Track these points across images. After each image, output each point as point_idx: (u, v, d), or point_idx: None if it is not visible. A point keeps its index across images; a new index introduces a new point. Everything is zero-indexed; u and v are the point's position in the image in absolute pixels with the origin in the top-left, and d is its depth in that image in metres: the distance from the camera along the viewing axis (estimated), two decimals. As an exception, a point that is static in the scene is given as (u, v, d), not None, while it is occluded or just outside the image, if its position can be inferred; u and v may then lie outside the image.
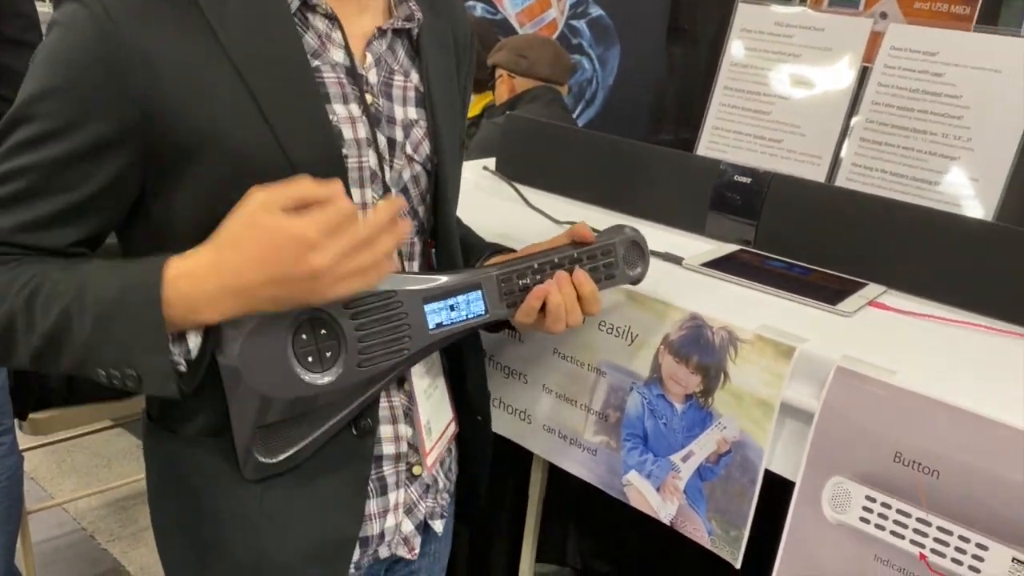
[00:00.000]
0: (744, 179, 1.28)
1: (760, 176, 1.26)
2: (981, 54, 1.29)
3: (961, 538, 0.84)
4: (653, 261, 1.17)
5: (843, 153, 1.40)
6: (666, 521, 1.07)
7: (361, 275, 0.75)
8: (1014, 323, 1.06)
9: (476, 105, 2.63)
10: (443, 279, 0.89)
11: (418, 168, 0.92)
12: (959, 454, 0.84)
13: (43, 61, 0.76)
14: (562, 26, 3.11)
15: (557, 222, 1.33)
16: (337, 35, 0.85)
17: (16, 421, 1.89)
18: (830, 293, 1.11)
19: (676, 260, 1.19)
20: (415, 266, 0.95)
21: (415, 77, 0.93)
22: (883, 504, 0.89)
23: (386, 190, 0.89)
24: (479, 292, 0.90)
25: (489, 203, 1.42)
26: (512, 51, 2.41)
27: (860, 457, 0.90)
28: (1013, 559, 0.82)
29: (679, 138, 3.12)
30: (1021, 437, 0.81)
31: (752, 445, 0.98)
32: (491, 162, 1.58)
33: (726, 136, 1.52)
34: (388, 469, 0.96)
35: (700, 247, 1.26)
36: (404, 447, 0.97)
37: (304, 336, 0.81)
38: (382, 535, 0.97)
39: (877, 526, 0.89)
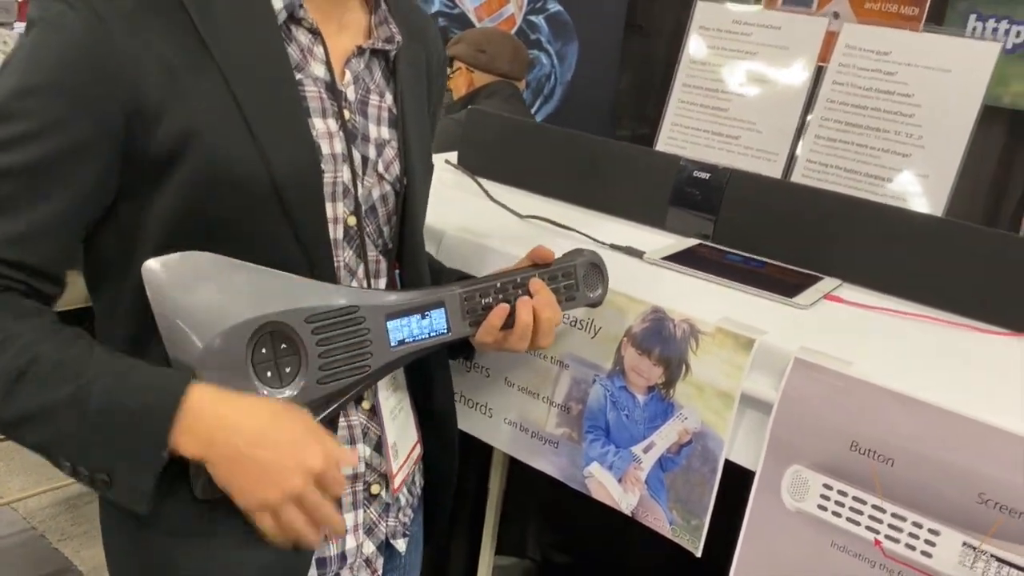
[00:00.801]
0: (703, 175, 1.29)
1: (719, 172, 1.28)
2: (932, 54, 1.32)
3: (914, 524, 0.87)
4: (615, 255, 1.18)
5: (799, 150, 1.43)
6: (627, 512, 1.08)
7: (302, 526, 0.78)
8: (963, 315, 1.09)
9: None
10: (407, 296, 0.89)
11: (387, 188, 0.92)
12: (913, 443, 0.87)
13: (24, 59, 0.73)
14: (520, 21, 3.12)
15: (519, 216, 1.33)
16: (319, 50, 0.85)
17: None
18: (787, 287, 1.13)
19: (637, 254, 1.20)
20: (380, 284, 0.94)
21: (389, 98, 0.93)
22: (840, 492, 0.91)
23: (357, 206, 0.88)
24: (442, 309, 0.90)
25: (451, 196, 1.42)
26: (471, 45, 2.40)
27: (818, 446, 0.92)
28: (963, 543, 0.84)
29: (636, 133, 3.15)
30: (971, 425, 0.84)
31: (713, 435, 0.99)
32: (453, 156, 1.58)
33: (685, 132, 1.54)
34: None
35: (661, 241, 1.28)
36: (362, 467, 0.95)
37: (264, 350, 0.79)
38: (343, 556, 0.95)
39: (834, 513, 0.92)
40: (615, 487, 1.09)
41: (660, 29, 2.99)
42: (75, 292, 0.83)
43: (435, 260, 1.12)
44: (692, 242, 1.28)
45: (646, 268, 1.18)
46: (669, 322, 1.03)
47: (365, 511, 0.97)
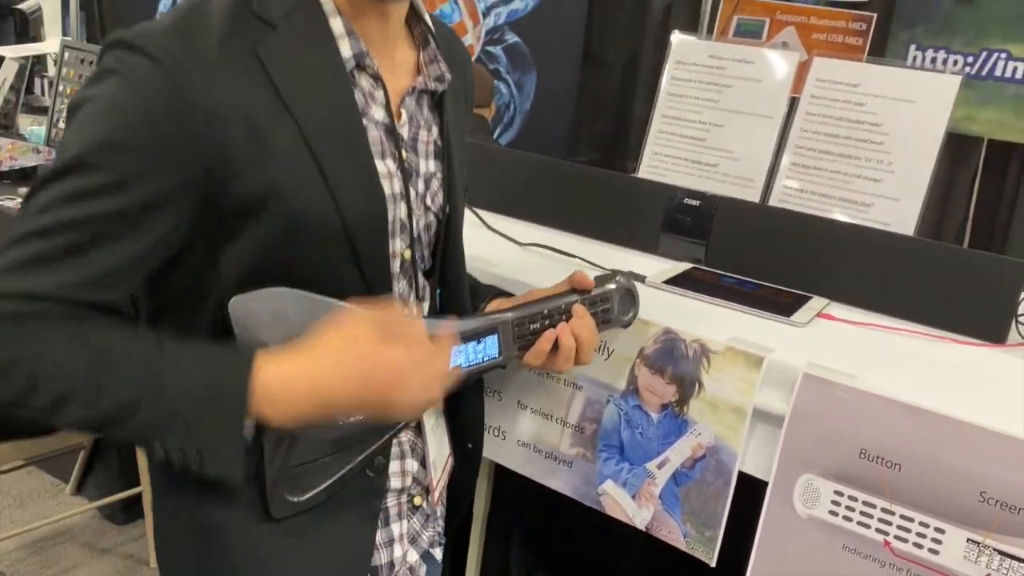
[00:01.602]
0: (694, 202, 1.37)
1: (709, 199, 1.36)
2: (898, 86, 1.42)
3: (921, 524, 0.94)
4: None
5: (775, 176, 1.51)
6: (641, 527, 1.13)
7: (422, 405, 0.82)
8: (943, 329, 1.18)
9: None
10: (465, 324, 0.93)
11: (431, 217, 0.95)
12: (918, 448, 0.94)
13: (103, 111, 0.74)
14: (478, 51, 3.18)
15: (520, 244, 1.38)
16: (380, 94, 0.88)
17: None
18: (782, 306, 1.21)
19: (639, 278, 1.26)
20: (425, 306, 0.98)
21: (435, 131, 0.95)
22: (850, 497, 0.98)
23: (412, 240, 0.91)
24: (495, 336, 0.94)
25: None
26: None
27: (828, 455, 0.99)
28: (968, 540, 0.91)
29: (591, 159, 3.23)
30: (971, 430, 0.91)
31: (726, 449, 1.05)
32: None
33: (665, 160, 1.62)
34: (391, 501, 0.98)
35: (655, 266, 1.34)
36: (408, 481, 0.99)
37: None
38: (392, 565, 0.99)
39: (845, 518, 0.98)
40: (629, 503, 1.14)
41: (615, 59, 3.09)
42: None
43: (471, 276, 1.14)
44: (686, 266, 1.35)
45: (649, 292, 1.24)
46: (681, 343, 1.09)
47: (408, 521, 1.01)
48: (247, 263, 0.79)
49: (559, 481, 1.20)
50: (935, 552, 0.93)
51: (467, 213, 1.51)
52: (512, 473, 1.24)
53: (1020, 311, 1.16)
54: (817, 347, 1.10)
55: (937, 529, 0.93)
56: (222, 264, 0.80)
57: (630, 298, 1.05)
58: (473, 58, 3.18)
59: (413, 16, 0.94)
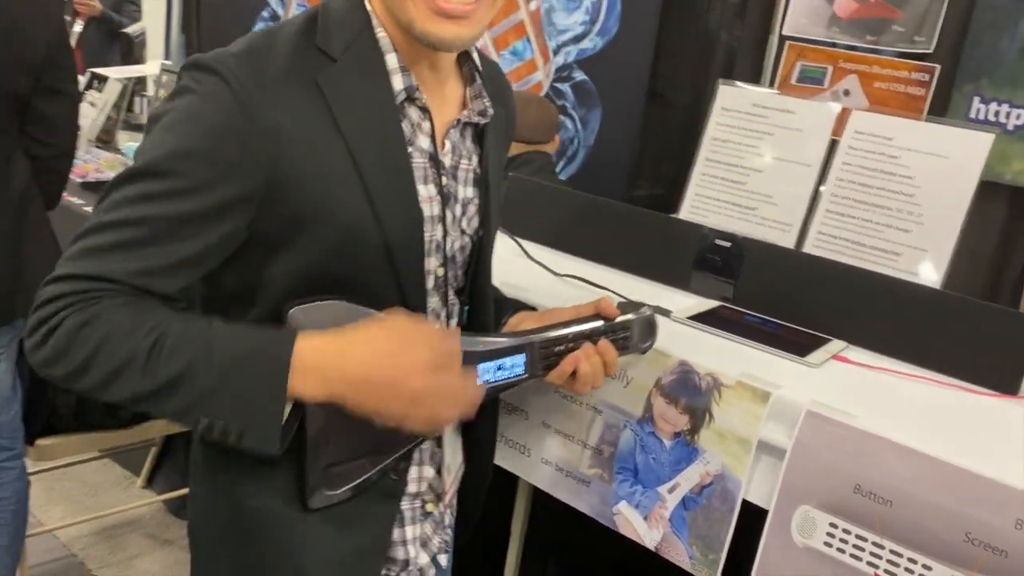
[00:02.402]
0: (724, 243, 1.44)
1: (739, 241, 1.42)
2: (931, 141, 1.47)
3: (910, 560, 0.99)
4: (645, 313, 1.32)
5: (811, 222, 1.57)
6: (651, 547, 1.20)
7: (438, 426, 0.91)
8: (955, 377, 1.22)
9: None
10: (496, 342, 1.00)
11: (467, 240, 1.03)
12: (909, 487, 0.99)
13: (181, 122, 0.84)
14: (547, 88, 3.30)
15: (556, 274, 1.47)
16: (427, 125, 0.96)
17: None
18: (800, 347, 1.27)
19: (665, 313, 1.34)
20: (453, 323, 1.06)
21: (475, 160, 1.04)
22: (844, 530, 1.03)
23: (446, 259, 1.00)
24: (523, 356, 1.01)
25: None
26: None
27: (825, 488, 1.04)
28: (953, 577, 0.96)
29: (653, 194, 3.29)
30: (959, 473, 0.96)
31: (732, 478, 1.12)
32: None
33: (706, 202, 1.69)
34: (405, 504, 1.06)
35: (685, 301, 1.41)
36: (424, 486, 1.08)
37: None
38: (406, 563, 1.07)
39: (838, 550, 1.03)
40: (641, 524, 1.21)
41: (680, 99, 3.16)
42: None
43: (496, 290, 1.19)
44: (714, 303, 1.42)
45: (674, 326, 1.31)
46: (695, 375, 1.16)
47: (420, 525, 1.09)
48: (295, 273, 0.88)
49: (579, 500, 1.28)
50: (921, 588, 0.98)
51: (509, 241, 1.62)
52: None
53: (1033, 364, 1.20)
54: (827, 387, 1.15)
55: (924, 566, 0.98)
56: (274, 271, 0.89)
57: (649, 328, 1.12)
58: (542, 93, 3.29)
59: (463, 54, 1.03)
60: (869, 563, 1.01)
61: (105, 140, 3.11)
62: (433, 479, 1.09)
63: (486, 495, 1.22)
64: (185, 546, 2.54)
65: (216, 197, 0.84)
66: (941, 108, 2.61)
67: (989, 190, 2.49)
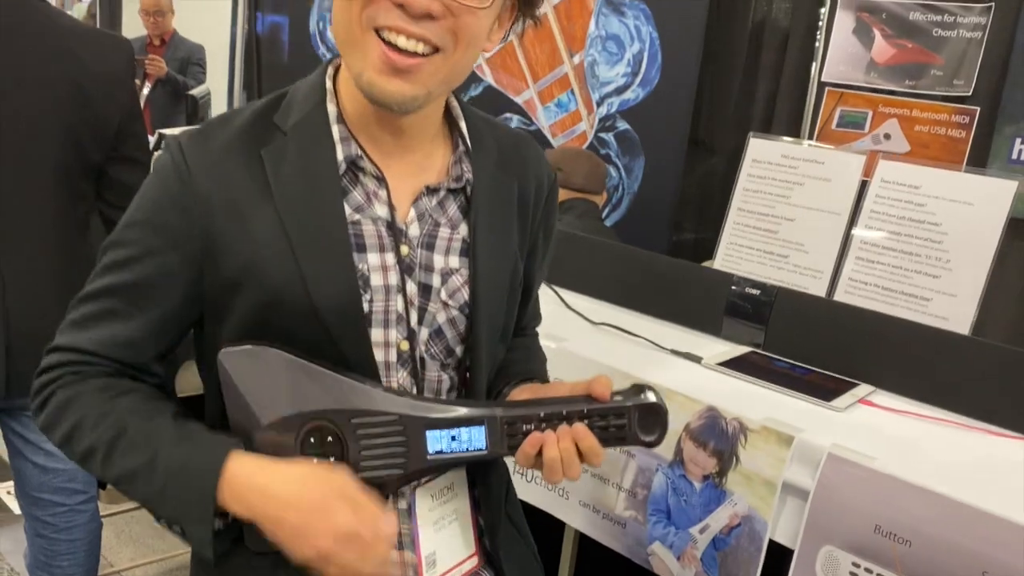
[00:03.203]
0: (754, 291, 1.49)
1: (768, 289, 1.48)
2: (956, 189, 1.51)
3: (931, 598, 1.02)
4: (676, 360, 1.37)
5: (842, 268, 1.62)
6: (685, 586, 1.25)
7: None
8: (980, 420, 1.25)
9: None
10: (450, 411, 0.92)
11: (454, 312, 0.98)
12: (927, 527, 1.03)
13: (138, 196, 0.92)
14: (592, 138, 3.39)
15: (592, 323, 1.54)
16: (383, 193, 0.95)
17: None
18: (826, 391, 1.31)
19: (696, 359, 1.40)
20: (442, 396, 1.01)
21: (464, 229, 0.99)
22: (866, 569, 1.07)
23: (411, 332, 0.96)
24: (482, 428, 0.91)
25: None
26: (550, 163, 2.66)
27: (847, 529, 1.08)
28: (973, 616, 0.99)
29: (699, 238, 3.35)
30: (975, 513, 1.00)
31: (759, 519, 1.16)
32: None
33: (740, 250, 1.75)
34: None
35: (717, 347, 1.47)
36: (411, 573, 0.99)
37: (312, 440, 0.89)
38: None
39: (862, 588, 1.07)
40: (674, 564, 1.26)
41: (722, 145, 3.22)
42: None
43: (510, 355, 1.11)
44: (745, 349, 1.47)
45: (704, 372, 1.37)
46: (722, 420, 1.21)
47: None
48: (244, 329, 0.91)
49: (614, 540, 1.33)
50: (943, 626, 1.01)
51: (547, 290, 1.69)
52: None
53: (1057, 407, 1.23)
54: (851, 430, 1.20)
55: (945, 604, 1.01)
56: (226, 330, 0.93)
57: (654, 417, 0.93)
58: (586, 144, 3.39)
59: (450, 119, 1.01)
60: (892, 602, 1.05)
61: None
62: (410, 558, 1.00)
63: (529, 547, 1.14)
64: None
65: (162, 263, 0.90)
66: (983, 150, 2.64)
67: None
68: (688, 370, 1.37)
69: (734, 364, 1.40)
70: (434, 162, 0.99)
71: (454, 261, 0.98)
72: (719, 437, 1.21)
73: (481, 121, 1.04)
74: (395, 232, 0.95)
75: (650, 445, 0.94)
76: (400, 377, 0.96)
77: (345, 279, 0.91)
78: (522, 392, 1.02)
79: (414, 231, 0.96)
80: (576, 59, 3.41)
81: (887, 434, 1.21)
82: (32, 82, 1.66)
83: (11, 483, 1.94)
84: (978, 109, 2.63)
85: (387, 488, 0.92)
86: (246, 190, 0.90)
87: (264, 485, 0.85)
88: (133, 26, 5.38)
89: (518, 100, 3.60)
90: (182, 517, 0.88)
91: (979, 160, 2.63)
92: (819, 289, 1.63)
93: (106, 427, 0.89)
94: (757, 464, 1.17)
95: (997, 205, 1.47)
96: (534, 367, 1.13)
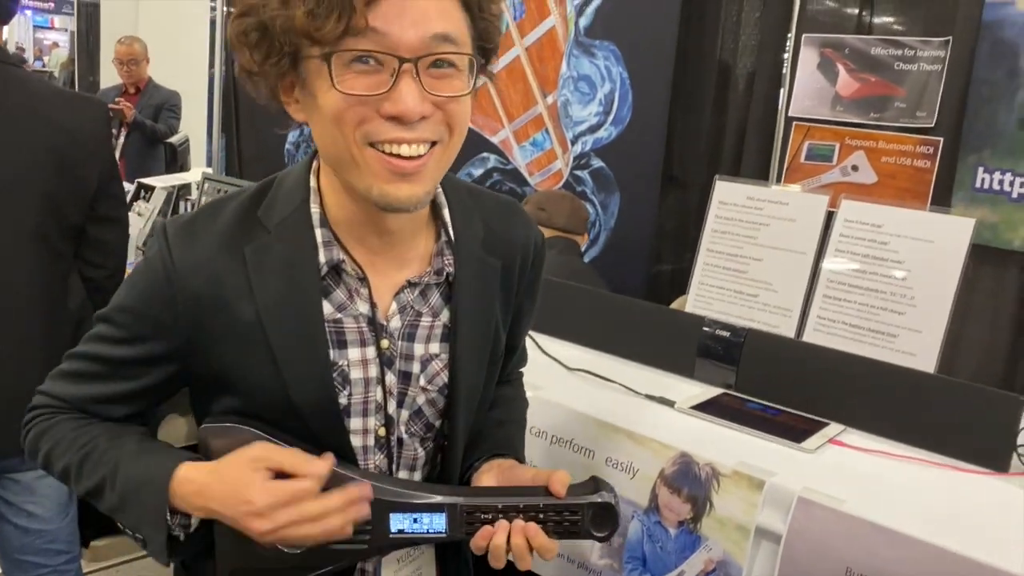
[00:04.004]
0: (725, 332, 1.52)
1: (738, 330, 1.51)
2: (918, 226, 1.55)
3: (903, 639, 1.04)
4: (650, 405, 1.39)
5: (810, 306, 1.65)
6: (665, 631, 1.26)
7: (302, 537, 0.89)
8: (949, 456, 1.28)
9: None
10: (414, 496, 0.96)
11: (433, 394, 1.02)
12: (895, 568, 1.05)
13: (128, 281, 0.99)
14: (567, 175, 3.44)
15: (568, 368, 1.57)
16: (364, 291, 0.98)
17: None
18: (797, 432, 1.33)
19: (669, 403, 1.42)
20: (416, 475, 1.06)
21: (445, 315, 1.02)
22: (840, 612, 1.09)
23: (388, 420, 1.00)
24: (443, 515, 0.96)
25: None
26: (534, 205, 2.73)
27: (820, 572, 1.10)
28: (944, 656, 1.01)
29: (676, 269, 3.39)
30: (945, 555, 1.02)
31: (733, 564, 1.18)
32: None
33: (711, 290, 1.78)
34: None
35: (690, 390, 1.49)
36: None
37: None
38: None
39: (836, 631, 1.09)
40: (654, 609, 1.27)
41: (694, 180, 3.27)
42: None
43: (489, 412, 1.14)
44: (718, 391, 1.50)
45: (677, 416, 1.39)
46: (695, 465, 1.23)
47: None
48: (229, 412, 0.98)
49: (594, 587, 1.34)
50: (916, 666, 1.03)
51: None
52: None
53: (1021, 441, 1.25)
54: (821, 472, 1.22)
55: (917, 645, 1.03)
56: (213, 410, 1.00)
57: (606, 515, 0.98)
58: (561, 182, 3.43)
59: (435, 211, 1.02)
60: (866, 643, 1.06)
61: (151, 246, 3.29)
62: None
63: None
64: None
65: (147, 349, 0.97)
66: (948, 179, 2.69)
67: (999, 257, 2.56)
68: (662, 415, 1.39)
69: (706, 407, 1.42)
70: (417, 253, 1.01)
71: (434, 347, 1.02)
72: (693, 483, 1.23)
73: (467, 198, 1.06)
74: (376, 328, 0.98)
75: (601, 540, 1.00)
76: (377, 459, 1.02)
77: (321, 379, 0.95)
78: (490, 470, 1.05)
79: (395, 324, 1.00)
80: (549, 99, 3.46)
81: (858, 473, 1.23)
82: (10, 148, 1.68)
83: (-8, 549, 1.93)
84: (941, 139, 2.69)
85: (349, 560, 1.00)
86: (231, 287, 0.94)
87: (202, 483, 0.91)
88: (112, 73, 5.42)
89: (494, 140, 3.65)
90: (140, 524, 0.95)
91: (945, 188, 2.69)
92: (789, 327, 1.66)
93: (77, 448, 0.98)
94: (730, 509, 1.19)
95: (957, 241, 1.50)
96: (509, 431, 1.16)
